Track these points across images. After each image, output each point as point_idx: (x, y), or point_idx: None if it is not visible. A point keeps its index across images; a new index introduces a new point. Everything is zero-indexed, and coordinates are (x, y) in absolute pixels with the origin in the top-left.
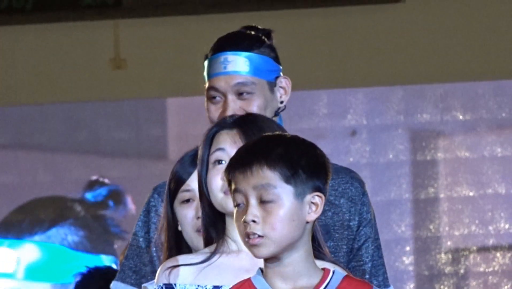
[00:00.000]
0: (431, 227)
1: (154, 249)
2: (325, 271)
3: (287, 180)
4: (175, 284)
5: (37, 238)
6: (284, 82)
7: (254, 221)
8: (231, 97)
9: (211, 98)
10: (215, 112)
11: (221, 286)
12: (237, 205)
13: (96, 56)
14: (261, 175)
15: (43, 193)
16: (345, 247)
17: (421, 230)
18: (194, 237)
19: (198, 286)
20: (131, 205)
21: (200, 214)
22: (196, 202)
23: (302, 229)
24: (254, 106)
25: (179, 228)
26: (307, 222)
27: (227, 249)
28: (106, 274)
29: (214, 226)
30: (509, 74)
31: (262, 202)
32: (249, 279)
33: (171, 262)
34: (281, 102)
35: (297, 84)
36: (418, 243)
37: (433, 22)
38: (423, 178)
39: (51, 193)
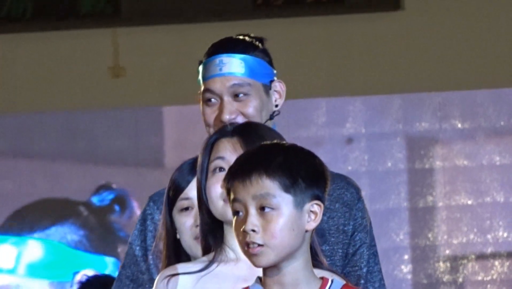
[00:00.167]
0: (429, 235)
1: (151, 257)
2: (323, 280)
3: (287, 189)
4: None
5: (37, 235)
6: (278, 86)
7: (253, 230)
8: (227, 99)
9: (206, 101)
10: (211, 115)
11: None
12: (236, 214)
13: (95, 64)
14: (261, 184)
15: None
16: (340, 251)
17: (419, 239)
18: (192, 245)
19: None
20: (136, 210)
21: (198, 222)
22: (195, 210)
23: (302, 238)
24: (251, 108)
25: (178, 236)
26: (307, 231)
27: (225, 258)
28: (105, 283)
29: (213, 234)
30: (507, 83)
31: (261, 211)
32: (247, 288)
33: (169, 271)
34: (276, 106)
35: (296, 93)
36: (417, 251)
37: (432, 31)
38: (422, 186)
39: None
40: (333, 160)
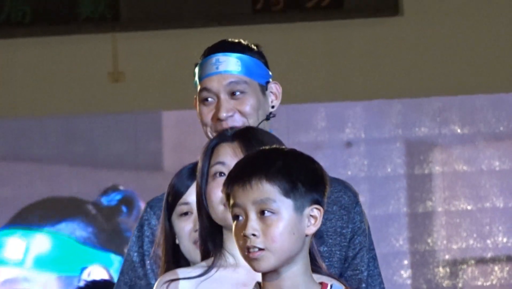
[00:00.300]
0: (429, 240)
1: (148, 262)
2: (322, 285)
3: (286, 194)
4: None
5: (46, 229)
6: (274, 87)
7: (254, 235)
8: (224, 97)
9: (203, 101)
10: (208, 114)
11: None
12: (236, 219)
13: (94, 69)
14: (261, 188)
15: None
16: (338, 253)
17: (419, 244)
18: (192, 250)
19: None
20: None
21: (198, 227)
22: (194, 215)
23: (302, 242)
24: (248, 106)
25: (177, 241)
26: (306, 235)
27: (224, 263)
28: (104, 288)
29: (212, 239)
30: (506, 88)
31: (261, 215)
32: None
33: (170, 275)
34: (272, 107)
35: (295, 97)
36: (416, 256)
37: (431, 36)
38: (421, 191)
39: None
40: (333, 165)
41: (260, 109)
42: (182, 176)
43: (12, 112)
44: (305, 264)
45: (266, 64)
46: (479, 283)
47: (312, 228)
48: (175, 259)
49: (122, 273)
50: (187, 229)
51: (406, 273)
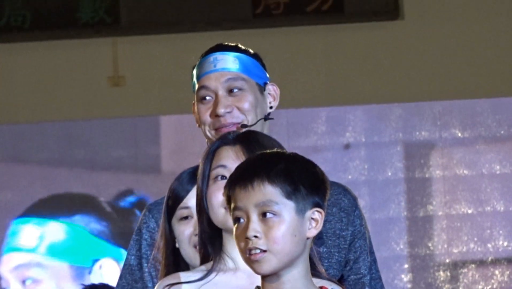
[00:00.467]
0: (429, 244)
1: (146, 265)
2: None
3: (288, 196)
4: None
5: (62, 219)
6: (272, 89)
7: (256, 236)
8: (222, 93)
9: (201, 99)
10: (206, 112)
11: None
12: (237, 222)
13: (94, 74)
14: (263, 190)
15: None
16: (337, 254)
17: (419, 248)
18: (192, 254)
19: None
20: None
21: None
22: (194, 219)
23: (303, 245)
24: (246, 103)
25: (177, 245)
26: (308, 238)
27: (224, 267)
28: None
29: (212, 242)
30: (507, 92)
31: (263, 217)
32: None
33: (171, 279)
34: (271, 108)
35: (296, 101)
36: (417, 260)
37: (432, 40)
38: (422, 195)
39: None
40: (333, 169)
41: (258, 107)
42: (182, 180)
43: (12, 117)
44: (305, 268)
45: (264, 67)
46: (480, 287)
47: (313, 230)
48: (175, 263)
49: (120, 277)
50: (187, 233)
51: (406, 277)
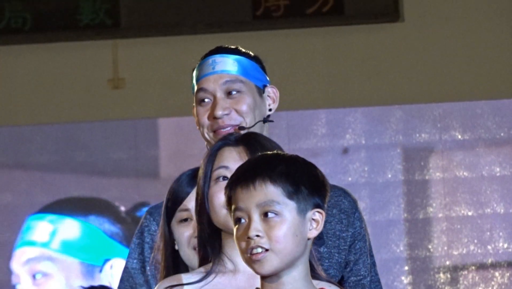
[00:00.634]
0: (429, 246)
1: (148, 268)
2: None
3: (290, 196)
4: None
5: (76, 217)
6: (272, 92)
7: (258, 236)
8: (220, 96)
9: (200, 102)
10: (205, 114)
11: None
12: (238, 222)
13: (94, 76)
14: (264, 190)
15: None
16: (337, 255)
17: (419, 250)
18: (191, 256)
19: None
20: None
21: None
22: (194, 221)
23: (304, 246)
24: (244, 105)
25: (176, 247)
26: (309, 239)
27: (223, 269)
28: None
29: (211, 243)
30: (507, 94)
31: (265, 217)
32: None
33: (172, 280)
34: (270, 110)
35: (296, 104)
36: (417, 262)
37: (432, 42)
38: (422, 197)
39: None
40: (333, 171)
41: (257, 109)
42: (182, 182)
43: (12, 119)
44: (306, 269)
45: (263, 69)
46: None
47: (314, 231)
48: (175, 264)
49: (121, 280)
50: (186, 235)
51: (406, 279)
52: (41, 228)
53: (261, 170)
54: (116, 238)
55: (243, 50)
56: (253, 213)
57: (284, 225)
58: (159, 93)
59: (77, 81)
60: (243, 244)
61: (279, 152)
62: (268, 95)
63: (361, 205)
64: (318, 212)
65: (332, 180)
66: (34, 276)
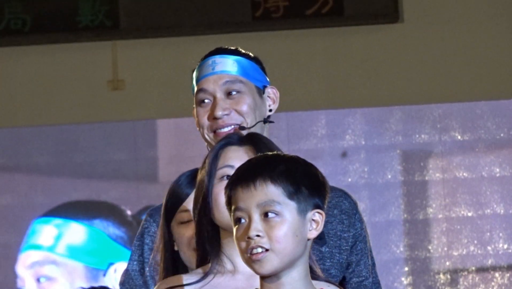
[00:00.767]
0: (429, 247)
1: (147, 269)
2: None
3: (290, 196)
4: None
5: (81, 221)
6: (272, 92)
7: (258, 236)
8: (220, 96)
9: (200, 103)
10: (204, 115)
11: None
12: (237, 222)
13: (94, 78)
14: (265, 190)
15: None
16: (338, 255)
17: (419, 251)
18: (191, 257)
19: None
20: None
21: None
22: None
23: (304, 246)
24: (244, 105)
25: (176, 248)
26: (308, 239)
27: (222, 269)
28: None
29: (211, 243)
30: (507, 94)
31: (265, 217)
32: None
33: (172, 281)
34: (270, 110)
35: (295, 105)
36: (417, 263)
37: (431, 43)
38: (422, 198)
39: None
40: (333, 172)
41: (257, 110)
42: (181, 183)
43: (11, 121)
44: (305, 269)
45: (263, 70)
46: None
47: (313, 232)
48: (174, 266)
49: (122, 283)
50: (186, 236)
51: (406, 280)
52: (47, 232)
53: (262, 169)
54: (120, 242)
55: (243, 51)
56: (254, 213)
57: (284, 225)
58: (159, 95)
59: (76, 82)
60: (243, 244)
61: (279, 152)
62: (268, 96)
63: (361, 206)
64: (318, 212)
65: (331, 181)
66: (38, 280)
